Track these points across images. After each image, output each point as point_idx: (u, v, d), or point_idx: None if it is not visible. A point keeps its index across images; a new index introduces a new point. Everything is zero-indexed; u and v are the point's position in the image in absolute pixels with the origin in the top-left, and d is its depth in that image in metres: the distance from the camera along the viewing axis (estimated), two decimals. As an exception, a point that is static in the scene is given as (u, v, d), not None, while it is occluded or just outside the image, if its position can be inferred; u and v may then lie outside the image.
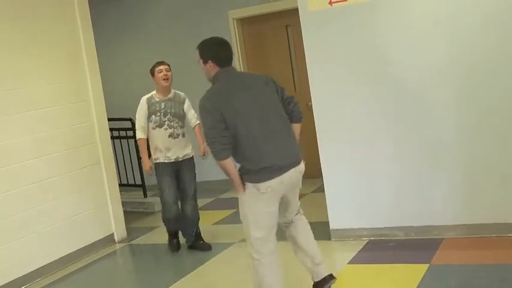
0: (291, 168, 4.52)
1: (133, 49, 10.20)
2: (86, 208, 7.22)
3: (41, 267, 6.59)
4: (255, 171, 4.39)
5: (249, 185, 4.44)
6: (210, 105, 4.44)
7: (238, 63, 9.51)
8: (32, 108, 6.69)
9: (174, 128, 6.55)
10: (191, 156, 6.71)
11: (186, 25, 9.67)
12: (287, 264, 5.11)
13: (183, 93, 6.77)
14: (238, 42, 9.52)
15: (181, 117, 6.65)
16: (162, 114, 6.52)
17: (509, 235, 5.69)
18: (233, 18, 9.48)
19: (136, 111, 6.64)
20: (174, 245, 6.88)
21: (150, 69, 6.60)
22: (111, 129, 8.15)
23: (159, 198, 7.05)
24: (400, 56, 5.81)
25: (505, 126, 5.62)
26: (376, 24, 5.89)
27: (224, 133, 4.33)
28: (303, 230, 4.94)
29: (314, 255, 4.87)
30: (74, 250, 7.00)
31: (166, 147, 6.53)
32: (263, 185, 4.39)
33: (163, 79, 6.52)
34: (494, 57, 5.55)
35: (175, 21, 9.79)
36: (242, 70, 9.53)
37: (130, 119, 8.99)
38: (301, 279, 5.24)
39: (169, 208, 6.68)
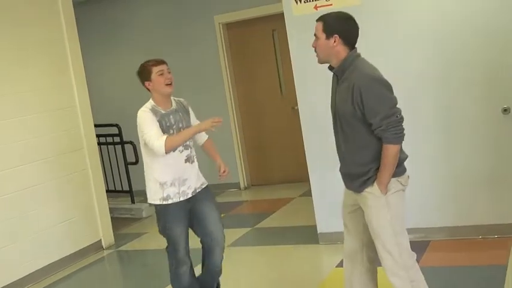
0: None
1: (119, 55, 10.19)
2: (73, 215, 7.19)
3: (27, 274, 6.55)
4: (399, 163, 3.87)
5: (391, 180, 3.85)
6: (386, 81, 3.81)
7: (224, 67, 9.53)
8: (18, 115, 6.67)
9: (190, 149, 4.83)
10: (207, 184, 4.98)
11: (172, 30, 9.68)
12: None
13: (182, 99, 5.02)
14: (224, 46, 9.54)
15: None
16: (175, 131, 4.67)
17: (495, 236, 5.75)
18: (219, 23, 9.50)
19: (138, 125, 4.72)
20: None
21: (140, 71, 4.75)
22: (98, 136, 8.14)
23: (147, 204, 6.86)
24: (386, 60, 5.83)
25: (485, 129, 5.71)
26: (362, 29, 5.91)
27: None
28: None
29: None
30: (61, 257, 6.97)
31: (182, 178, 4.71)
32: (405, 177, 3.93)
33: (167, 84, 4.68)
34: (476, 63, 5.63)
35: (161, 27, 9.80)
36: (228, 75, 9.57)
37: (117, 125, 8.99)
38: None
39: (184, 274, 4.84)
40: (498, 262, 5.23)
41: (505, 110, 5.57)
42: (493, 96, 5.64)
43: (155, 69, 4.68)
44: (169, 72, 4.74)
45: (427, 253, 5.66)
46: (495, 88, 5.63)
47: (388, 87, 3.78)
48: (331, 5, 5.88)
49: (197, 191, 4.79)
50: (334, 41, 3.85)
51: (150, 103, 4.71)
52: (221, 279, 5.09)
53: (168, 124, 4.64)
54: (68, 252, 7.07)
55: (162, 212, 4.72)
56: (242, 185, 9.73)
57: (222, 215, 8.07)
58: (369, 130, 3.78)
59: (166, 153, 4.53)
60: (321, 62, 3.99)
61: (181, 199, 4.69)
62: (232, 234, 7.21)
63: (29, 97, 6.83)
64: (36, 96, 6.92)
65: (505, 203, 5.73)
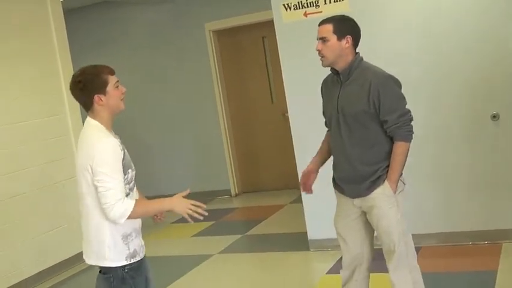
0: None
1: (109, 62, 10.09)
2: (62, 223, 7.15)
3: (17, 283, 6.52)
4: None
5: None
6: (399, 81, 3.95)
7: (215, 74, 9.54)
8: (6, 122, 6.64)
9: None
10: None
11: (163, 38, 9.69)
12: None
13: None
14: (215, 54, 9.54)
15: None
16: (132, 167, 3.53)
17: (485, 242, 5.76)
18: (209, 30, 9.51)
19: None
20: None
21: (90, 79, 3.44)
22: (88, 143, 8.11)
23: None
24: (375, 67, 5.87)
25: (475, 135, 5.74)
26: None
27: None
28: None
29: None
30: (52, 264, 6.93)
31: (140, 226, 3.60)
32: (403, 177, 4.00)
33: (122, 99, 3.52)
34: (465, 69, 5.66)
35: (152, 35, 9.79)
36: (219, 82, 9.58)
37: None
38: None
39: None
40: (489, 268, 5.25)
41: (494, 116, 5.60)
42: (483, 102, 5.67)
43: (112, 80, 3.48)
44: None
45: (418, 259, 5.64)
46: (484, 94, 5.66)
47: (400, 86, 3.92)
48: (321, 12, 5.90)
49: None
50: (347, 42, 3.89)
51: (99, 126, 3.43)
52: (211, 286, 5.09)
53: (129, 158, 3.50)
54: (59, 259, 7.03)
55: (131, 275, 3.48)
56: (233, 192, 9.72)
57: (211, 223, 8.15)
58: (379, 129, 3.86)
59: (121, 223, 3.36)
60: (327, 64, 3.96)
61: (143, 255, 3.58)
62: (222, 241, 7.21)
63: (18, 104, 6.80)
64: (26, 103, 6.89)
65: (495, 209, 5.76)
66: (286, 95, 6.32)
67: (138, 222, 3.53)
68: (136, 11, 9.91)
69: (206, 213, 3.39)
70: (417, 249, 5.78)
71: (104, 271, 3.51)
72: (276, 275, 6.03)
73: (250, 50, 9.53)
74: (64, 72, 7.34)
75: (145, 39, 9.84)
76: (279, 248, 6.78)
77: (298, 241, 6.65)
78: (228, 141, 9.64)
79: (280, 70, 6.36)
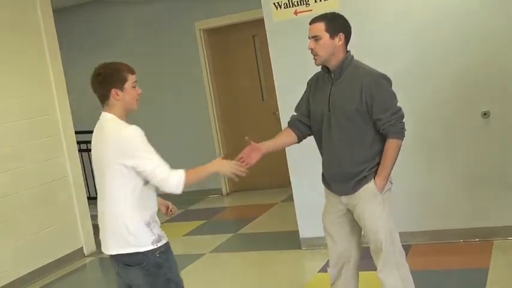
0: None
1: (100, 61, 10.06)
2: (54, 222, 7.14)
3: (8, 283, 6.49)
4: None
5: None
6: (390, 79, 3.97)
7: (205, 73, 9.52)
8: (-3, 123, 6.63)
9: None
10: None
11: (153, 36, 9.67)
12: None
13: None
14: (205, 52, 9.53)
15: None
16: None
17: (476, 240, 5.78)
18: (199, 29, 9.50)
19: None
20: None
21: (110, 73, 3.66)
22: (78, 142, 8.09)
23: None
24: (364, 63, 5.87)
25: (465, 133, 5.76)
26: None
27: None
28: None
29: None
30: (42, 265, 6.91)
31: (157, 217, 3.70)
32: (390, 176, 3.99)
33: (137, 100, 3.67)
34: (456, 67, 5.67)
35: (142, 33, 9.78)
36: (210, 81, 9.57)
37: (97, 132, 8.94)
38: None
39: None
40: (480, 265, 5.26)
41: (485, 114, 5.61)
42: (473, 100, 5.68)
43: (131, 78, 3.62)
44: None
45: (409, 257, 5.63)
46: (475, 92, 5.67)
47: (391, 84, 3.94)
48: (311, 10, 5.90)
49: None
50: (339, 40, 3.90)
51: (116, 119, 3.59)
52: (203, 285, 5.08)
53: None
54: (50, 260, 7.01)
55: (164, 258, 3.60)
56: (224, 191, 9.72)
57: (202, 222, 8.14)
58: (370, 128, 3.87)
59: (179, 192, 3.53)
60: (320, 63, 3.96)
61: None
62: (214, 240, 7.21)
63: (8, 104, 6.77)
64: (16, 103, 6.86)
65: (485, 206, 5.77)
66: (276, 93, 6.32)
67: (154, 211, 3.63)
68: (127, 10, 9.88)
69: (247, 171, 3.77)
70: (408, 247, 5.83)
71: (135, 262, 3.56)
72: (267, 273, 6.03)
73: (240, 49, 9.52)
74: (54, 72, 7.32)
75: (135, 38, 9.82)
76: (271, 246, 6.78)
77: (290, 240, 6.65)
78: (219, 139, 9.63)
79: (271, 69, 6.35)
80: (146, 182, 3.51)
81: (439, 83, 5.74)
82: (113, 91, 3.55)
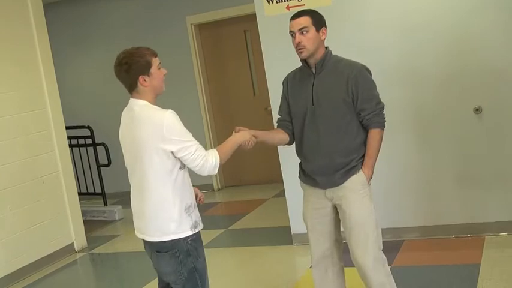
0: None
1: (90, 56, 10.11)
2: (44, 218, 7.10)
3: (-1, 279, 6.48)
4: None
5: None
6: (370, 71, 4.03)
7: (197, 68, 9.50)
8: (-13, 118, 6.58)
9: None
10: None
11: (144, 31, 9.61)
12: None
13: None
14: (196, 47, 9.51)
15: None
16: None
17: (467, 235, 5.79)
18: (191, 24, 9.47)
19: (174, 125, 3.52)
20: None
21: (135, 61, 3.55)
22: (69, 138, 8.06)
23: (119, 206, 6.75)
24: (356, 60, 5.86)
25: (457, 129, 5.76)
26: (332, 29, 5.90)
27: None
28: None
29: None
30: (33, 260, 6.88)
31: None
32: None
33: (163, 81, 3.69)
34: (448, 62, 5.67)
35: (133, 28, 9.73)
36: (201, 76, 9.55)
37: (88, 127, 8.91)
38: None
39: None
40: (471, 261, 5.27)
41: (477, 110, 5.61)
42: (465, 95, 5.68)
43: (155, 61, 3.60)
44: None
45: (401, 253, 5.67)
46: (467, 87, 5.67)
47: (371, 74, 4.01)
48: (303, 5, 5.86)
49: None
50: (323, 34, 3.97)
51: (149, 105, 3.59)
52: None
53: None
54: (40, 255, 6.98)
55: (194, 246, 3.59)
56: (216, 187, 9.70)
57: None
58: (354, 118, 3.90)
59: (215, 172, 3.67)
60: (307, 56, 3.95)
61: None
62: (206, 236, 7.11)
63: (-2, 99, 6.75)
64: (5, 98, 6.81)
65: (477, 202, 5.78)
66: (268, 88, 6.30)
67: (193, 195, 3.66)
68: (116, 4, 9.84)
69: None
70: (400, 243, 5.84)
71: (166, 248, 3.53)
72: (259, 269, 6.02)
73: (232, 44, 9.50)
74: (44, 66, 7.27)
75: (125, 33, 9.76)
76: (262, 242, 6.78)
77: (282, 235, 6.64)
78: (210, 135, 9.61)
79: (263, 64, 6.33)
80: (183, 166, 3.53)
81: (432, 79, 5.73)
82: (141, 78, 3.52)
